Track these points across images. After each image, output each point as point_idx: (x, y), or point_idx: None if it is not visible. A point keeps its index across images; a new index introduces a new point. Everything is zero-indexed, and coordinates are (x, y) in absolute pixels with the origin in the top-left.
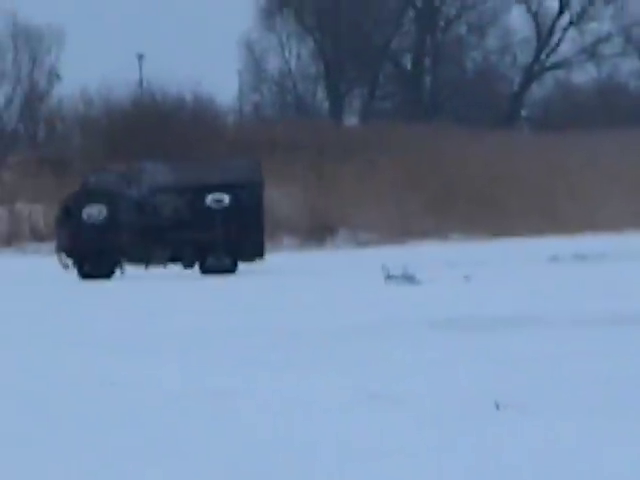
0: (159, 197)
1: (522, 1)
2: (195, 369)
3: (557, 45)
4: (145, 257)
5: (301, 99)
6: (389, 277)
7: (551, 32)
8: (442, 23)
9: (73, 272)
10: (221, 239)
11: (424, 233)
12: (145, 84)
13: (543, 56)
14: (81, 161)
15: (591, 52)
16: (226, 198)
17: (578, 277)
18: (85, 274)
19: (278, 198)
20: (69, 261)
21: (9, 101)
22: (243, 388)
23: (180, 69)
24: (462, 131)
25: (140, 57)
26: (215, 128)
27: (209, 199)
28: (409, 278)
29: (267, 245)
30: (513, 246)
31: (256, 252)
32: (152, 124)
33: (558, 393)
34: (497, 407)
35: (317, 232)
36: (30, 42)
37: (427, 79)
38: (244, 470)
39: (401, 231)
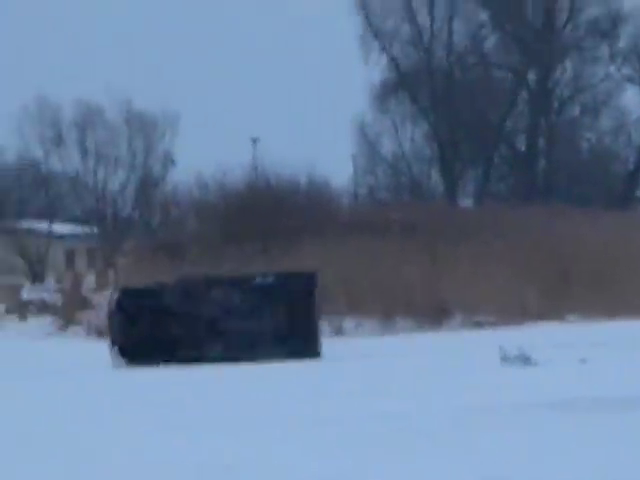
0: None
1: (637, 82)
2: (308, 455)
3: None
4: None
5: (415, 181)
6: (505, 359)
7: None
8: (556, 104)
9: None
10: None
11: (540, 315)
12: (259, 168)
13: None
14: (196, 245)
15: None
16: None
17: None
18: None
19: (393, 280)
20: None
21: (124, 187)
22: (358, 474)
23: (294, 152)
24: (577, 212)
25: (254, 141)
26: (329, 211)
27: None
28: (525, 360)
29: (381, 327)
30: (630, 327)
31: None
32: (267, 208)
33: None
34: None
35: (432, 314)
36: (144, 128)
37: (541, 160)
38: None
39: (517, 313)
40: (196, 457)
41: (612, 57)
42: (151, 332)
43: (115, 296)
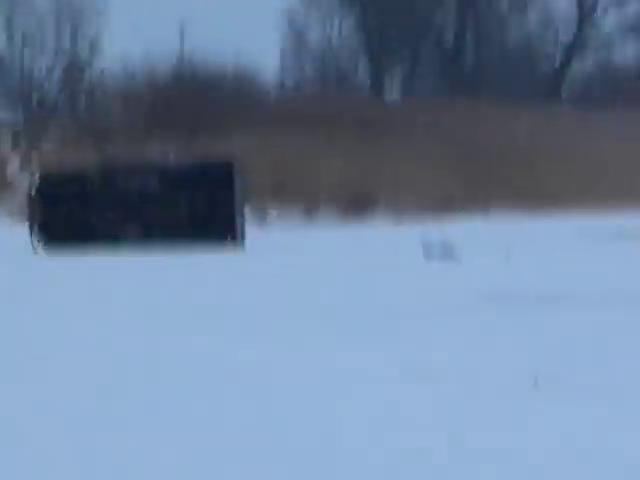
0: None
1: None
2: (232, 345)
3: (599, 22)
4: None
5: (342, 74)
6: (428, 252)
7: (593, 9)
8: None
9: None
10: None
11: (464, 209)
12: (187, 55)
13: (585, 33)
14: (121, 133)
15: (633, 29)
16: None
17: (619, 254)
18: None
19: (317, 172)
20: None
21: (50, 72)
22: (284, 363)
23: (222, 41)
24: (504, 106)
25: (182, 28)
26: (256, 102)
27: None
28: (449, 253)
29: (305, 217)
30: (553, 222)
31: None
32: (193, 96)
33: (599, 372)
34: (536, 383)
35: (356, 205)
36: (72, 13)
37: (468, 57)
38: (286, 436)
39: (442, 206)
40: (117, 347)
41: None
42: (70, 217)
43: (35, 180)
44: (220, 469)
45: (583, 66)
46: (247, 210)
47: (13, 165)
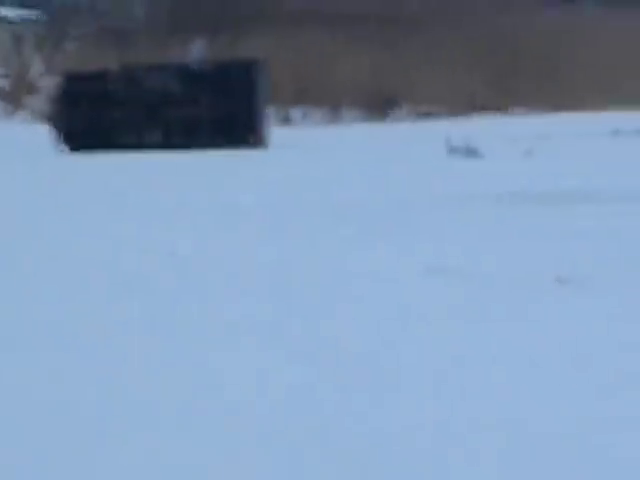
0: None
1: None
2: (251, 243)
3: None
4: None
5: None
6: (451, 150)
7: None
8: None
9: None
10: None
11: (487, 107)
12: None
13: None
14: (143, 34)
15: None
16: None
17: (639, 152)
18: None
19: (341, 70)
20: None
21: None
22: (304, 262)
23: None
24: (527, 5)
25: None
26: (277, 1)
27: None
28: (472, 151)
29: (328, 117)
30: (576, 120)
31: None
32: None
33: (623, 268)
34: (559, 281)
35: (379, 104)
36: None
37: None
38: (307, 335)
39: (464, 104)
40: (142, 244)
41: None
42: (92, 118)
43: (59, 81)
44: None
45: None
46: (270, 110)
47: (36, 67)
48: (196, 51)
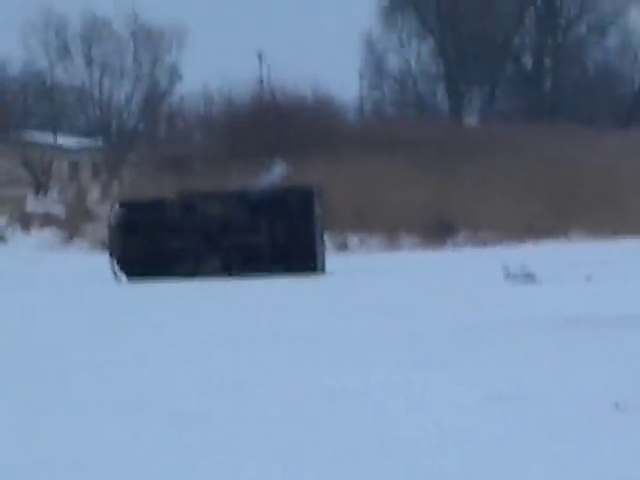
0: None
1: None
2: (314, 370)
3: None
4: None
5: (421, 98)
6: (509, 276)
7: None
8: (563, 22)
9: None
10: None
11: (544, 233)
12: (265, 82)
13: None
14: (201, 160)
15: None
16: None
17: None
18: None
19: (397, 197)
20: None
21: (129, 100)
22: (365, 389)
23: (300, 67)
24: (583, 131)
25: (260, 55)
26: (335, 127)
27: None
28: (529, 277)
29: (385, 243)
30: (635, 246)
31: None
32: (273, 122)
33: None
34: (617, 406)
35: (437, 231)
36: (151, 40)
37: (547, 79)
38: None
39: (521, 231)
40: (205, 373)
41: None
42: (150, 246)
43: (116, 209)
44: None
45: None
46: (327, 237)
47: (93, 194)
48: (277, 172)
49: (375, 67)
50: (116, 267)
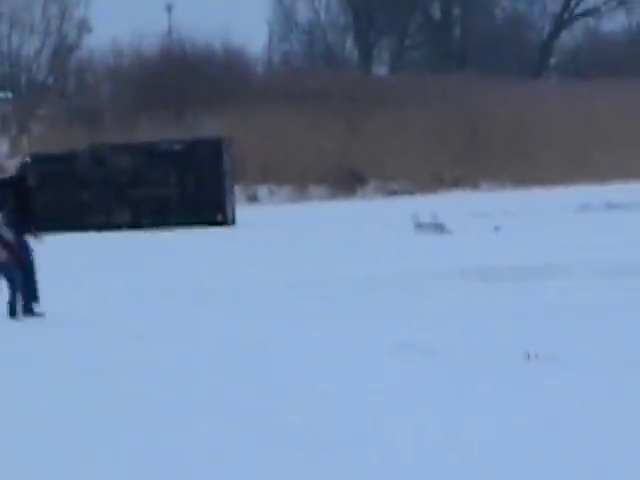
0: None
1: None
2: (232, 323)
3: None
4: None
5: (330, 49)
6: (419, 226)
7: None
8: None
9: None
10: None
11: (454, 183)
12: (174, 35)
13: (572, 4)
14: (111, 113)
15: (621, 0)
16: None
17: (608, 226)
18: None
19: (307, 148)
20: None
21: (38, 53)
22: (285, 339)
23: (209, 19)
24: (491, 80)
25: (169, 7)
26: (244, 78)
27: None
28: (439, 227)
29: (295, 194)
30: (543, 195)
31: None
32: (182, 75)
33: (588, 344)
34: (527, 357)
35: (346, 182)
36: None
37: (456, 29)
38: (274, 420)
39: (431, 181)
40: (138, 325)
41: None
42: (61, 199)
43: (25, 162)
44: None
45: (571, 38)
46: (237, 188)
47: (2, 148)
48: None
49: (284, 18)
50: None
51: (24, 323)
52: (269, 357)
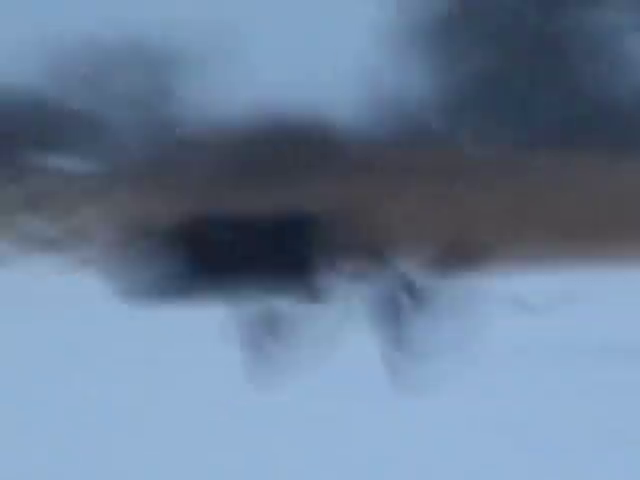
0: None
1: None
2: None
3: None
4: None
5: (420, 124)
6: (509, 303)
7: None
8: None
9: None
10: None
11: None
12: (267, 107)
13: None
14: (204, 185)
15: None
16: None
17: None
18: None
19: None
20: None
21: (133, 123)
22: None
23: (298, 91)
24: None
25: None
26: (334, 152)
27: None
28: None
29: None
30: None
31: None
32: (274, 150)
33: None
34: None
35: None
36: (154, 63)
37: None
38: None
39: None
40: None
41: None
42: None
43: (126, 233)
44: None
45: None
46: (327, 262)
47: (91, 215)
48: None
49: (373, 92)
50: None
51: None
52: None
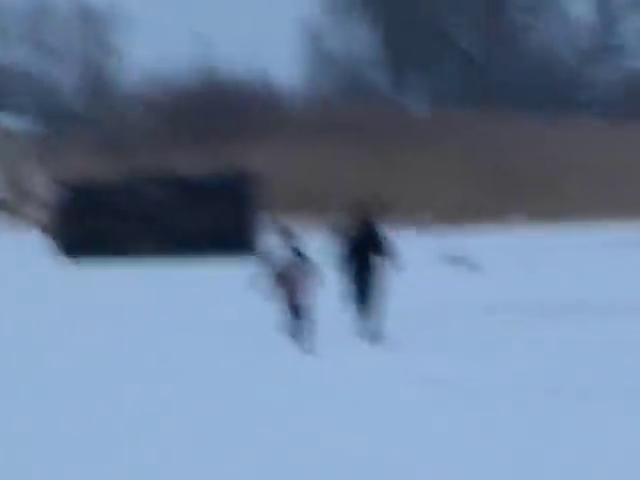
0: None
1: None
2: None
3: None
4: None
5: (365, 83)
6: (445, 260)
7: (613, 16)
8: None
9: None
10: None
11: (486, 220)
12: (207, 66)
13: (605, 40)
14: (145, 143)
15: None
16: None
17: (633, 264)
18: None
19: (337, 181)
20: None
21: (75, 83)
22: (295, 372)
23: (242, 53)
24: (524, 118)
25: (204, 38)
26: (277, 112)
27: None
28: (466, 261)
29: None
30: (575, 233)
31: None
32: (215, 107)
33: (613, 382)
34: (549, 393)
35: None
36: (95, 23)
37: (493, 67)
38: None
39: (461, 216)
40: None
41: None
42: (91, 227)
43: (59, 191)
44: None
45: (603, 74)
46: (268, 221)
47: (37, 176)
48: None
49: (317, 51)
50: (57, 247)
51: None
52: (289, 389)
